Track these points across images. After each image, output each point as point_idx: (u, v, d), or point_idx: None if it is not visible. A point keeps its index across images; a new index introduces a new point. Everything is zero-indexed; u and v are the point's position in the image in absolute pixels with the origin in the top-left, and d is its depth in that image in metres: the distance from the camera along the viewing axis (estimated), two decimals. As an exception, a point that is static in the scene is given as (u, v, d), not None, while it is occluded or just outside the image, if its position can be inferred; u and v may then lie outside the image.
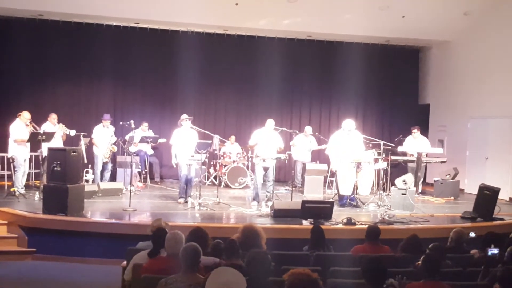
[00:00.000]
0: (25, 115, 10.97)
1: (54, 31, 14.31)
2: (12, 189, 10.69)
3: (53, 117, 11.70)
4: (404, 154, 12.86)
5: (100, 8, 13.42)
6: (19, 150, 10.82)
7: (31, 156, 11.59)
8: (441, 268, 5.10)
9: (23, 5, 13.08)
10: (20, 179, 10.87)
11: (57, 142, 11.23)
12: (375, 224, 8.00)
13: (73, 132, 11.59)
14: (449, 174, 13.27)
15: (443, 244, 6.38)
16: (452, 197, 12.74)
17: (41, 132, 10.69)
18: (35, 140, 10.63)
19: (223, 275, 3.81)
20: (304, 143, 13.60)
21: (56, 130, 11.36)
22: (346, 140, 11.09)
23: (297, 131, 13.28)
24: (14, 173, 10.90)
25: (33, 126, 10.98)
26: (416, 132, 13.21)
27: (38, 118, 11.29)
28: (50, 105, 13.64)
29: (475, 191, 10.76)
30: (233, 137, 14.49)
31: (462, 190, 13.71)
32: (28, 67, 14.13)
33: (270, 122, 11.13)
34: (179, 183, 11.21)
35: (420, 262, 4.94)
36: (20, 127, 10.87)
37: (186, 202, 10.69)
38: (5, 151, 11.37)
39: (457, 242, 6.63)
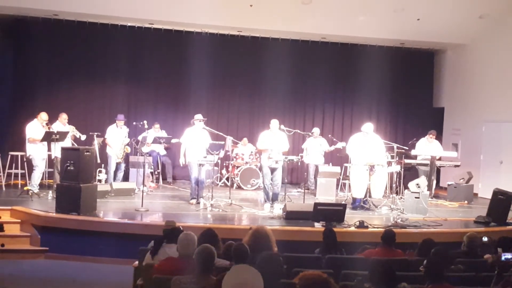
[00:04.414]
0: (42, 116, 11.07)
1: (69, 31, 14.38)
2: (25, 188, 10.78)
3: (64, 117, 11.74)
4: (416, 157, 12.79)
5: (115, 9, 13.48)
6: (36, 150, 10.90)
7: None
8: (446, 272, 5.05)
9: (38, 5, 13.17)
10: (37, 178, 10.93)
11: (66, 143, 11.28)
12: (389, 228, 7.95)
13: (83, 137, 11.62)
14: (463, 178, 13.17)
15: (456, 248, 6.34)
16: (466, 201, 12.63)
17: (55, 132, 10.75)
18: (49, 140, 10.69)
19: (241, 273, 3.78)
20: (314, 145, 13.52)
21: (68, 130, 11.42)
22: (363, 143, 11.06)
23: (310, 133, 13.24)
24: (32, 172, 10.97)
25: (49, 128, 11.04)
26: (432, 137, 13.13)
27: (51, 118, 11.35)
28: (64, 105, 13.71)
29: (489, 196, 10.66)
30: (245, 139, 14.46)
31: (476, 194, 13.59)
32: (42, 67, 14.25)
33: (275, 123, 11.05)
34: (190, 184, 11.22)
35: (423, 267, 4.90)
36: (36, 127, 10.97)
37: (198, 203, 10.69)
38: (21, 150, 11.46)
39: (470, 247, 6.57)
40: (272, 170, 10.84)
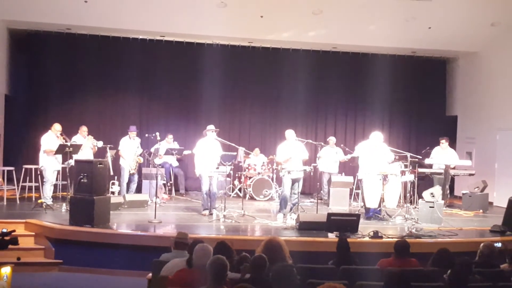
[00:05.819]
0: (56, 127, 11.15)
1: (81, 44, 14.54)
2: (39, 201, 10.81)
3: (83, 129, 11.89)
4: (431, 166, 12.70)
5: (126, 22, 13.62)
6: (49, 162, 10.97)
7: (58, 167, 11.72)
8: (469, 283, 4.99)
9: (51, 20, 13.33)
10: (48, 191, 10.99)
11: (87, 154, 11.40)
12: (403, 238, 7.87)
13: (100, 144, 11.72)
14: (477, 187, 13.04)
15: (472, 258, 6.26)
16: (481, 210, 12.50)
17: (69, 144, 10.81)
18: (63, 152, 10.75)
19: None
20: (330, 154, 13.48)
21: (85, 142, 11.50)
22: (373, 152, 10.98)
23: (322, 143, 13.17)
24: (43, 184, 11.04)
25: (64, 138, 11.12)
26: (444, 143, 13.05)
27: (65, 130, 11.42)
28: (77, 117, 13.86)
29: (505, 204, 10.53)
30: (257, 150, 14.44)
31: (491, 203, 13.46)
32: (55, 81, 14.41)
33: (291, 133, 10.92)
34: (201, 195, 11.20)
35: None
36: (50, 138, 11.05)
37: (211, 214, 10.67)
38: (35, 163, 11.53)
39: (487, 256, 6.48)
40: (294, 181, 10.70)
